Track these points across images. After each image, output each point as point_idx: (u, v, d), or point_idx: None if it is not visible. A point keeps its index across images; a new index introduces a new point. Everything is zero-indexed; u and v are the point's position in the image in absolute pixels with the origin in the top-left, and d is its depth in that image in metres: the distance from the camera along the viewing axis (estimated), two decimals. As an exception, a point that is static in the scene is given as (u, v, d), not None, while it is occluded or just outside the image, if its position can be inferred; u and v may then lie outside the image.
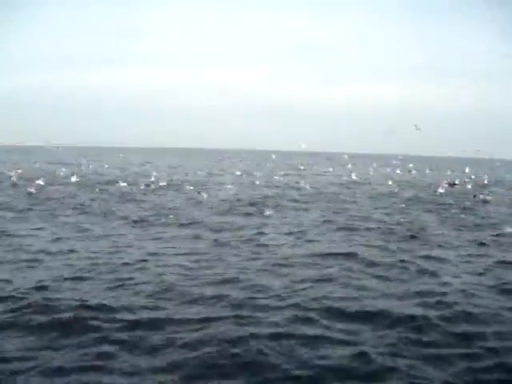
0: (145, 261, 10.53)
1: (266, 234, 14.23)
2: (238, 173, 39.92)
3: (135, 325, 6.93)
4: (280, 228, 15.27)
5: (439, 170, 49.55)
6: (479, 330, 7.14)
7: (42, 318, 7.03)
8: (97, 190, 24.61)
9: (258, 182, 31.78)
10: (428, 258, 11.61)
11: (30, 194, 22.20)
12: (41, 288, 8.37)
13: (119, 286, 8.73)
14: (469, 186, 31.33)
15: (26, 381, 5.45)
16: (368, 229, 15.49)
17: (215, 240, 13.02)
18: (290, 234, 14.35)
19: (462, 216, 19.08)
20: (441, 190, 27.79)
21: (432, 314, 7.63)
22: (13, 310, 7.33)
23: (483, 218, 18.92)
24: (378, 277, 9.84)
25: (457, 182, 31.88)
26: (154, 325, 6.96)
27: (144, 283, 8.92)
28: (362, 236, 14.24)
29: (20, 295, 7.95)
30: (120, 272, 9.66)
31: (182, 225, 15.32)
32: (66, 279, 8.96)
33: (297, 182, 31.53)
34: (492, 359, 6.22)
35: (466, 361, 6.17)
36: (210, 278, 9.38)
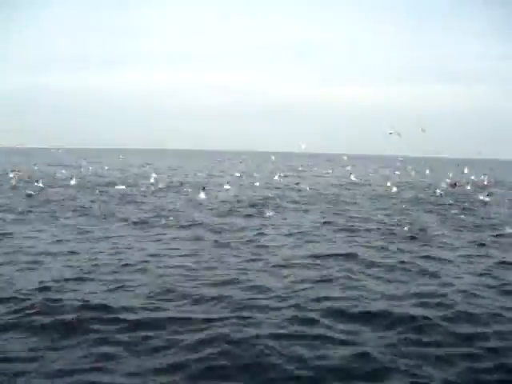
0: (146, 262, 10.55)
1: (266, 235, 14.25)
2: (238, 174, 39.97)
3: (136, 325, 6.95)
4: (280, 229, 15.29)
5: (438, 171, 49.55)
6: (480, 330, 7.15)
7: (44, 319, 7.05)
8: (97, 191, 24.62)
9: (257, 184, 31.79)
10: (428, 258, 11.63)
11: (30, 195, 22.21)
12: (43, 289, 8.38)
13: (120, 287, 8.74)
14: (468, 187, 31.37)
15: (28, 382, 5.46)
16: (368, 230, 15.51)
17: (215, 241, 13.04)
18: (290, 235, 14.37)
19: (462, 217, 19.10)
20: (440, 191, 27.82)
21: (432, 314, 7.64)
22: (15, 311, 7.35)
23: (483, 218, 18.95)
24: (379, 277, 9.86)
25: (460, 182, 31.98)
26: (156, 326, 6.97)
27: (145, 284, 8.94)
28: (362, 237, 14.25)
29: (22, 296, 7.97)
30: (121, 273, 9.68)
31: (182, 226, 15.33)
32: (67, 280, 8.98)
33: (297, 184, 31.58)
34: (493, 360, 6.23)
35: (466, 361, 6.18)
36: (211, 278, 9.40)
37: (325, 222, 16.80)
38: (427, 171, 47.57)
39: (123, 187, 26.57)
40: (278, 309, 7.76)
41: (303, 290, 8.83)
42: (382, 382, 5.64)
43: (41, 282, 8.77)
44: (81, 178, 33.29)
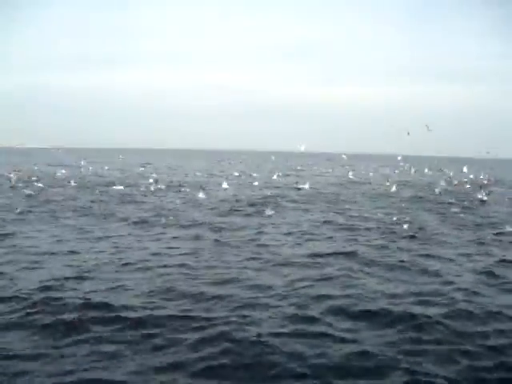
0: (146, 261, 10.57)
1: (266, 233, 14.26)
2: (238, 174, 39.93)
3: (137, 324, 6.96)
4: (280, 228, 15.29)
5: (438, 170, 49.57)
6: (480, 328, 7.17)
7: (46, 318, 7.07)
8: (97, 191, 24.61)
9: (257, 183, 31.81)
10: (428, 256, 11.65)
11: (30, 195, 22.20)
12: (44, 288, 8.41)
13: (121, 285, 8.75)
14: (468, 186, 31.38)
15: (30, 381, 5.47)
16: (368, 228, 15.52)
17: (216, 240, 13.04)
18: (290, 234, 14.37)
19: (462, 215, 19.10)
20: (439, 190, 27.83)
21: (433, 312, 7.66)
22: (17, 310, 7.38)
23: (483, 217, 18.94)
24: (379, 276, 9.87)
25: (465, 180, 32.01)
26: (156, 324, 6.99)
27: (145, 283, 8.95)
28: (362, 236, 14.26)
29: (24, 295, 7.99)
30: (121, 272, 9.69)
31: (182, 226, 15.33)
32: (68, 279, 8.99)
33: (296, 183, 31.56)
34: (493, 358, 6.24)
35: (466, 359, 6.19)
36: (211, 277, 9.41)
37: (325, 221, 16.80)
38: (426, 170, 47.56)
39: (121, 187, 26.45)
40: (279, 307, 7.77)
41: (303, 288, 8.85)
42: (382, 380, 5.65)
43: (42, 281, 8.78)
44: (80, 177, 33.29)
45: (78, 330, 6.74)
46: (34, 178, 28.85)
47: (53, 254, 11.10)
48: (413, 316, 7.44)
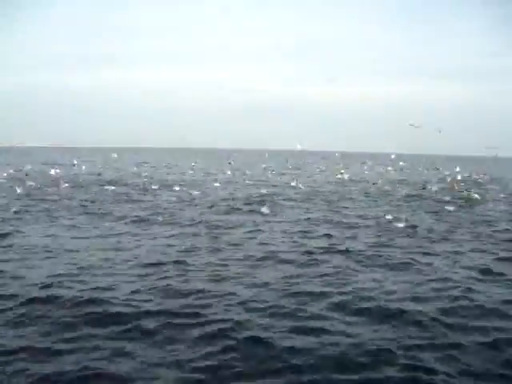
0: (143, 258, 10.57)
1: (262, 231, 14.28)
2: (235, 172, 39.94)
3: (136, 321, 6.98)
4: (277, 226, 15.31)
5: (434, 168, 49.72)
6: (477, 324, 7.21)
7: (45, 316, 7.08)
8: (92, 190, 24.55)
9: (254, 181, 31.82)
10: (424, 254, 11.71)
11: (26, 195, 22.10)
12: (43, 286, 8.40)
13: (119, 283, 8.76)
14: (461, 184, 31.49)
15: (29, 379, 5.46)
16: (364, 226, 15.58)
17: (212, 238, 13.05)
18: (287, 231, 14.40)
19: (457, 213, 19.19)
20: (435, 188, 27.92)
21: (430, 308, 7.72)
22: (16, 308, 7.38)
23: (478, 215, 19.03)
24: (375, 273, 9.92)
25: (459, 178, 32.10)
26: (156, 321, 7.00)
27: (143, 280, 8.97)
28: (358, 233, 14.30)
29: (23, 293, 7.99)
30: (119, 270, 9.70)
31: (178, 224, 15.32)
32: (66, 277, 8.98)
33: (292, 181, 31.59)
34: (490, 353, 6.28)
35: (463, 354, 6.23)
36: (209, 275, 9.44)
37: (321, 219, 16.85)
38: (420, 168, 47.71)
39: (113, 187, 25.85)
40: (277, 304, 7.80)
41: (300, 285, 8.89)
42: (380, 375, 5.68)
43: (40, 280, 8.78)
44: (75, 176, 33.19)
45: (76, 327, 6.75)
46: (28, 177, 28.70)
47: (51, 252, 11.09)
48: (410, 312, 7.49)
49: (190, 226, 15.04)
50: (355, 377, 5.62)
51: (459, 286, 8.95)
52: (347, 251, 11.65)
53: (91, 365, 5.72)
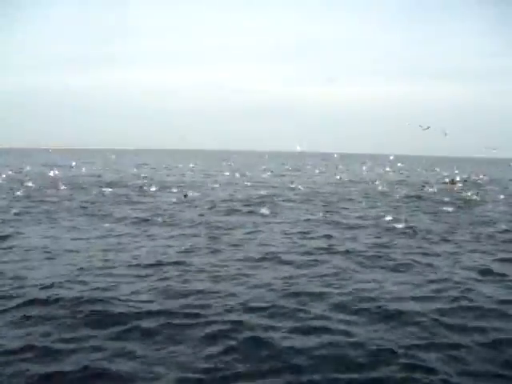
0: (144, 259, 10.58)
1: (262, 232, 14.30)
2: (235, 174, 39.95)
3: (137, 321, 6.99)
4: (276, 227, 15.33)
5: (432, 169, 49.79)
6: (477, 324, 7.23)
7: (45, 316, 7.09)
8: (92, 192, 24.54)
9: (254, 183, 31.84)
10: (423, 254, 11.72)
11: (26, 196, 22.10)
12: (43, 287, 8.41)
13: (120, 283, 8.78)
14: (460, 185, 31.55)
15: (29, 379, 5.47)
16: (364, 226, 15.60)
17: (212, 239, 13.07)
18: (287, 232, 14.42)
19: (457, 214, 19.22)
20: (434, 189, 27.95)
21: (429, 308, 7.74)
22: (16, 309, 7.38)
23: (477, 216, 19.06)
24: (375, 273, 9.93)
25: (458, 179, 32.06)
26: (157, 321, 7.01)
27: (144, 281, 8.98)
28: (358, 234, 14.32)
29: (23, 294, 8.01)
30: (120, 270, 9.70)
31: (178, 225, 15.34)
32: (67, 278, 8.99)
33: (292, 182, 31.62)
34: (489, 353, 6.29)
35: (463, 354, 6.24)
36: (209, 275, 9.45)
37: (321, 220, 16.86)
38: (418, 169, 47.78)
39: (110, 189, 25.65)
40: (277, 304, 7.81)
41: (300, 285, 8.90)
42: (380, 374, 5.69)
43: (40, 280, 8.79)
44: (74, 178, 33.20)
45: (76, 328, 6.76)
46: (27, 179, 28.70)
47: (51, 253, 11.09)
48: (409, 313, 7.50)
49: (190, 227, 15.05)
50: (355, 377, 5.63)
51: (459, 287, 8.97)
52: (347, 252, 11.67)
53: (91, 365, 5.73)
